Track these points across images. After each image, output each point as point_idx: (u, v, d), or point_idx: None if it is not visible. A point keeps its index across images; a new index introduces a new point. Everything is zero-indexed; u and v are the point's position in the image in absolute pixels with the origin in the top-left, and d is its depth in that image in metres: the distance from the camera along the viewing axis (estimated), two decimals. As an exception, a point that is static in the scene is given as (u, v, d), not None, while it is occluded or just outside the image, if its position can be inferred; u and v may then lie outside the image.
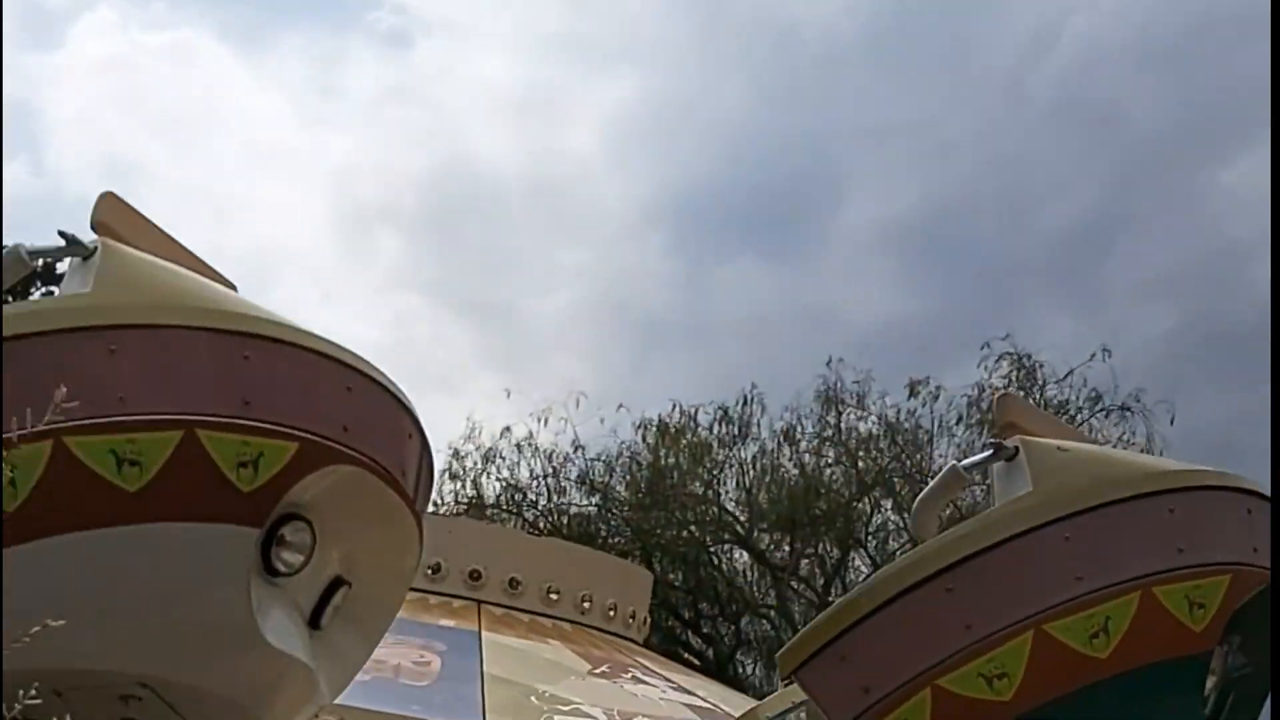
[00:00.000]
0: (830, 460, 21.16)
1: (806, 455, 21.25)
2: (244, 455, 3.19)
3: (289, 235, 43.26)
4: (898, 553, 21.17)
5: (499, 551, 10.27)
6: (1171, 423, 20.16)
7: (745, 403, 21.21)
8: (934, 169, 33.74)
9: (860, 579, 21.29)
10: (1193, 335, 30.10)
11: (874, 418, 22.61)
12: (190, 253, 3.90)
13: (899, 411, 22.03)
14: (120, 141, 41.20)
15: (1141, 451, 22.41)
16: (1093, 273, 33.24)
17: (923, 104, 34.68)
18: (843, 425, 21.30)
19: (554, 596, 10.09)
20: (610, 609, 10.39)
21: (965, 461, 3.93)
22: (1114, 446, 22.71)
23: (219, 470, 3.17)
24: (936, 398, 20.69)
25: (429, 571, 9.72)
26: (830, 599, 21.04)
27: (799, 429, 21.25)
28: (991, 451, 3.76)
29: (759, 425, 21.27)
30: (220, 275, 3.97)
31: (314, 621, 3.68)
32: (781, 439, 21.23)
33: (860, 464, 20.82)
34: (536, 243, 38.78)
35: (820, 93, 37.29)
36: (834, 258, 35.43)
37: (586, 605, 10.22)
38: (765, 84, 36.75)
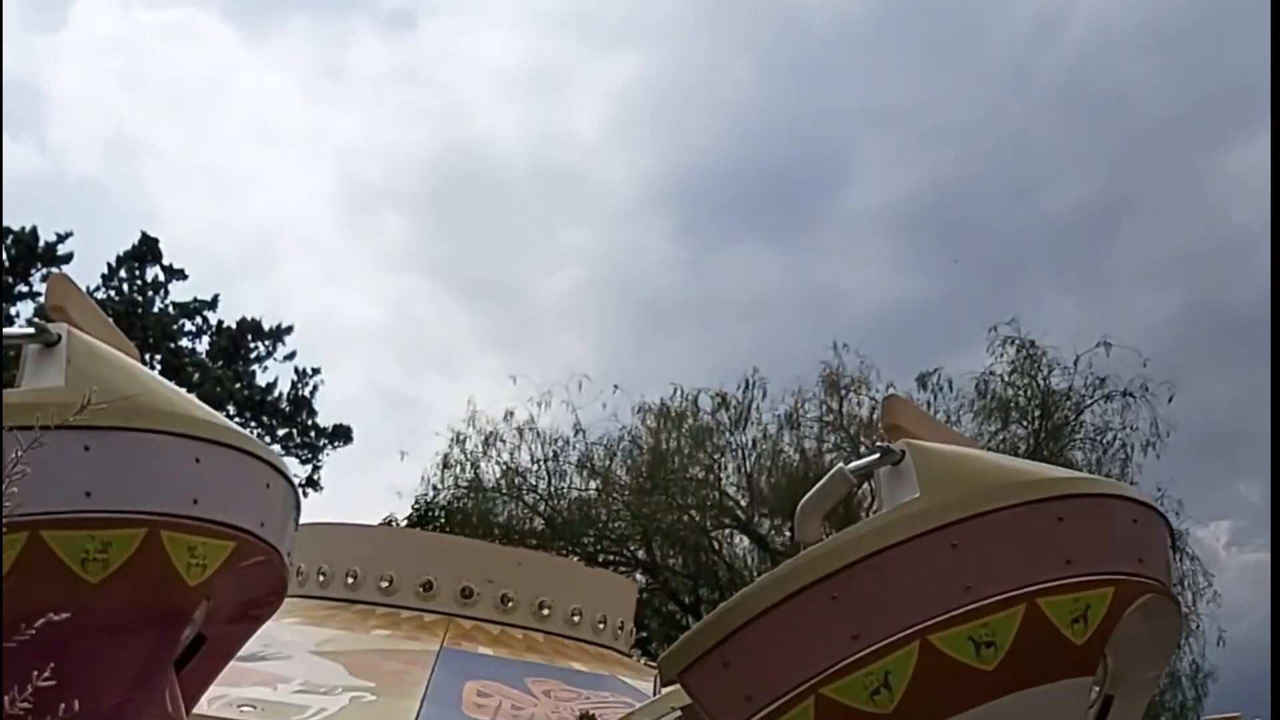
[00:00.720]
0: (831, 445, 21.03)
1: (808, 440, 21.14)
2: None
3: (293, 214, 43.19)
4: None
5: (486, 567, 10.03)
6: (1170, 400, 19.97)
7: (747, 386, 21.12)
8: (940, 152, 33.38)
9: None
10: (1197, 320, 29.86)
11: (876, 402, 22.49)
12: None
13: (905, 394, 21.86)
14: (124, 121, 41.09)
15: (1148, 440, 22.27)
16: (1097, 257, 32.91)
17: (929, 87, 34.27)
18: (844, 410, 21.19)
19: (545, 612, 9.93)
20: (600, 621, 10.23)
21: (852, 465, 3.73)
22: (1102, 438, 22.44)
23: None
24: (943, 389, 20.57)
25: (420, 589, 9.69)
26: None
27: (800, 413, 21.14)
28: (878, 455, 3.61)
29: (760, 409, 21.17)
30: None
31: None
32: (783, 423, 21.14)
33: (862, 449, 20.65)
34: (540, 223, 38.57)
35: (827, 75, 36.93)
36: (838, 240, 35.16)
37: (576, 619, 10.05)
38: (772, 66, 36.38)
